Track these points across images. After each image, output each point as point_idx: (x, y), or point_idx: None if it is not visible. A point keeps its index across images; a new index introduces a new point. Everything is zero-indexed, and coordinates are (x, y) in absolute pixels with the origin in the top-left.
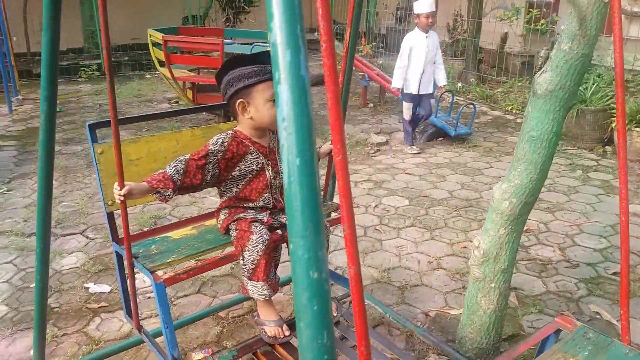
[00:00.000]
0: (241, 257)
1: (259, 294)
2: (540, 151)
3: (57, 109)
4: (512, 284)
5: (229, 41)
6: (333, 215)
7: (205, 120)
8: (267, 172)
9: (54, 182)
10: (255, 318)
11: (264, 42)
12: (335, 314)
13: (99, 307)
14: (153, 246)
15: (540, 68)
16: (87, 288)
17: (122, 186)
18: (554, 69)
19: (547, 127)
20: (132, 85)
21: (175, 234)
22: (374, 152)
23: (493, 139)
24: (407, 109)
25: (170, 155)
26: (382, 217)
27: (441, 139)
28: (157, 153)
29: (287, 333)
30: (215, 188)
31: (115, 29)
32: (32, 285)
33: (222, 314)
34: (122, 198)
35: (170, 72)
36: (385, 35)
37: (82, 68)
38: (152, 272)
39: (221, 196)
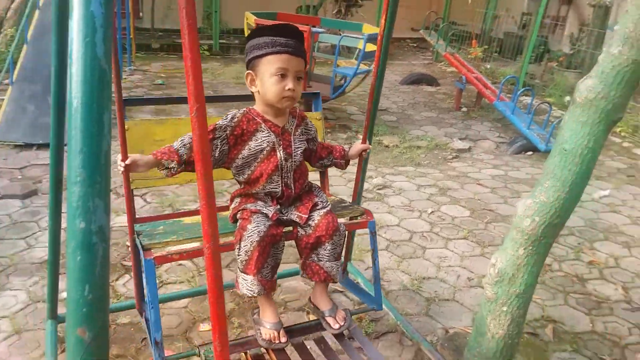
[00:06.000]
0: (237, 247)
1: (247, 289)
2: (571, 167)
3: (160, 82)
4: (553, 316)
5: (319, 29)
6: (354, 220)
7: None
8: (278, 153)
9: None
10: (254, 316)
11: (352, 34)
12: (341, 324)
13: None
14: (161, 227)
15: None
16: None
17: (125, 157)
18: (599, 74)
19: (582, 141)
20: (235, 68)
21: (188, 219)
22: (452, 158)
23: None
24: None
25: None
26: (434, 225)
27: (530, 153)
28: (183, 135)
29: (283, 340)
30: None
31: (232, 12)
32: None
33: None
34: (122, 169)
35: None
36: (503, 40)
37: None
38: (145, 250)
39: (236, 183)
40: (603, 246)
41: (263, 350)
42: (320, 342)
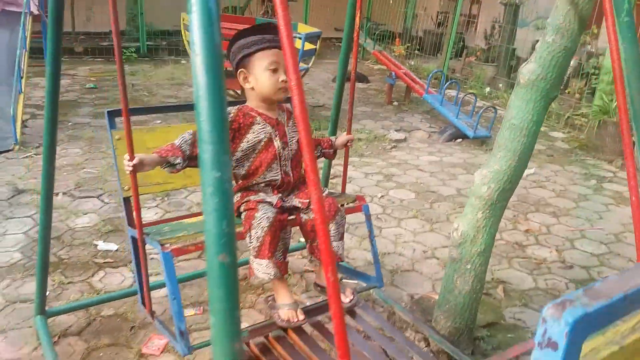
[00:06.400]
0: (247, 235)
1: (263, 272)
2: (520, 139)
3: (92, 86)
4: (502, 278)
5: None
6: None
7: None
8: (275, 142)
9: (78, 150)
10: (270, 302)
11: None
12: (351, 298)
13: (104, 262)
14: (166, 228)
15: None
16: (96, 245)
17: (132, 157)
18: (537, 60)
19: (527, 116)
20: (166, 69)
21: (189, 220)
22: (391, 148)
23: None
24: None
25: None
26: (385, 207)
27: (460, 140)
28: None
29: (301, 317)
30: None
31: (157, 14)
32: None
33: None
34: (130, 168)
35: None
36: (423, 38)
37: (122, 50)
38: (161, 245)
39: (235, 179)
40: (535, 217)
41: (283, 333)
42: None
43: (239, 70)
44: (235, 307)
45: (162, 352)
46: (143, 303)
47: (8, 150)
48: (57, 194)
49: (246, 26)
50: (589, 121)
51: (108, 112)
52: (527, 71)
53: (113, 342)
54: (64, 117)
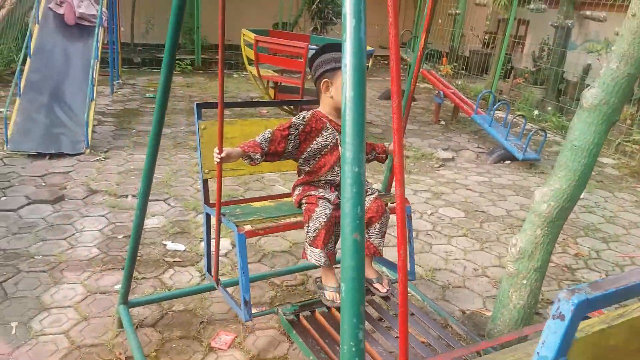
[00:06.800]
0: (306, 225)
1: (315, 259)
2: (581, 160)
3: (152, 96)
4: (551, 299)
5: (313, 47)
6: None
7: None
8: (340, 147)
9: (144, 156)
10: (318, 283)
11: None
12: (388, 288)
13: (174, 261)
14: (238, 210)
15: None
16: (165, 245)
17: (221, 150)
18: (601, 85)
19: (588, 138)
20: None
21: (256, 204)
22: (439, 167)
23: None
24: None
25: None
26: (435, 224)
27: (508, 162)
28: (249, 135)
29: None
30: (293, 169)
31: (211, 29)
32: (120, 235)
33: (277, 281)
34: (219, 159)
35: (258, 70)
36: (469, 58)
37: (177, 62)
38: (237, 226)
39: (299, 173)
40: (585, 241)
41: (326, 310)
42: (372, 303)
43: (323, 79)
44: (362, 276)
45: (229, 347)
46: (209, 270)
47: (80, 154)
48: (126, 196)
49: (301, 43)
50: None
51: (197, 104)
52: (591, 95)
53: (184, 335)
54: (128, 125)
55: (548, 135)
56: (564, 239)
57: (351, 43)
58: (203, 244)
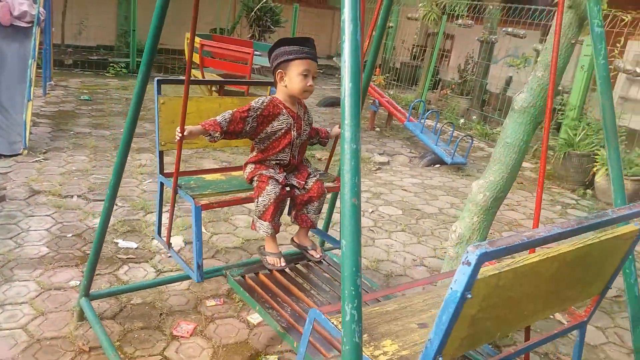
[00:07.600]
0: (256, 200)
1: (263, 231)
2: (512, 155)
3: (86, 97)
4: None
5: (258, 53)
6: (329, 184)
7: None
8: (292, 132)
9: (85, 157)
10: (261, 249)
11: None
12: (320, 254)
13: (127, 258)
14: (192, 182)
15: None
16: (117, 243)
17: (182, 129)
18: (529, 90)
19: (519, 137)
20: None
21: (208, 176)
22: (376, 170)
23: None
24: None
25: (212, 115)
26: (377, 221)
27: (438, 165)
28: (204, 111)
29: (283, 264)
30: (246, 146)
31: (145, 33)
32: (69, 234)
33: None
34: (179, 136)
35: (202, 74)
36: (400, 69)
37: (111, 64)
38: (193, 199)
39: (252, 150)
40: (509, 234)
41: (269, 272)
42: (307, 266)
43: (278, 70)
44: (359, 232)
45: (191, 335)
46: (159, 234)
47: (18, 154)
48: (72, 197)
49: (245, 49)
50: (555, 153)
51: (157, 80)
52: (521, 99)
53: (146, 326)
54: (65, 127)
55: (474, 141)
56: (491, 233)
57: (349, 44)
58: (155, 211)
